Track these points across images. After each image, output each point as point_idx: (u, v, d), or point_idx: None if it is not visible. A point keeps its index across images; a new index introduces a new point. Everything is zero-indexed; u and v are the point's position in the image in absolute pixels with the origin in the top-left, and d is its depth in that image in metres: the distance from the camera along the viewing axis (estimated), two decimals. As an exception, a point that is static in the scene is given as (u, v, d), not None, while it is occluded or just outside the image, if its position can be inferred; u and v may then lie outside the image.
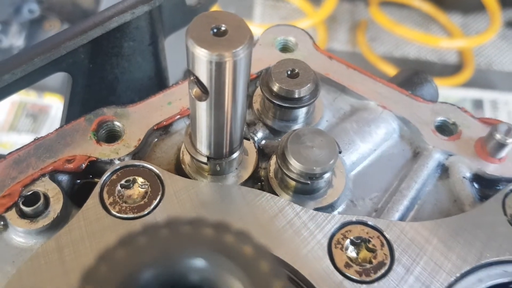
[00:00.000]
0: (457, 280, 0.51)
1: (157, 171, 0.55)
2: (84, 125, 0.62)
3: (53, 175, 0.58)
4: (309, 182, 0.56)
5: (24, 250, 0.54)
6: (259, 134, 0.65)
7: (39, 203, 0.54)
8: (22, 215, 0.55)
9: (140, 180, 0.55)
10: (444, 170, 0.64)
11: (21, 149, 0.60)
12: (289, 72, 0.63)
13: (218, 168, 0.58)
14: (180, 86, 0.67)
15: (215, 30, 0.44)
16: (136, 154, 0.61)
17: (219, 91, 0.46)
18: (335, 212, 0.59)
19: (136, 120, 0.63)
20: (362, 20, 3.01)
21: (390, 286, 0.50)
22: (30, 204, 0.54)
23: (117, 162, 0.59)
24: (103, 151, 0.60)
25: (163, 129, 0.64)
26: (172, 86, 0.68)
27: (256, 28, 2.40)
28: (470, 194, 0.62)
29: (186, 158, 0.60)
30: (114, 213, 0.52)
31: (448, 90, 2.74)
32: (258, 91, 0.67)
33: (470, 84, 2.84)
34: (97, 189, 0.53)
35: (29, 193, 0.55)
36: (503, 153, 0.63)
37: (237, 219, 0.52)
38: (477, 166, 0.63)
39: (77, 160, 0.59)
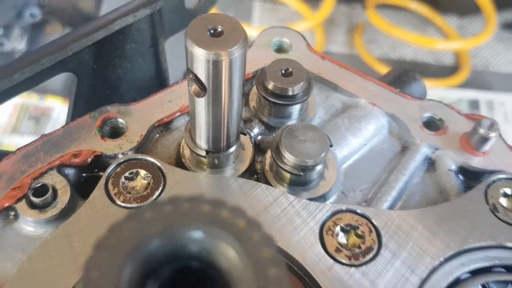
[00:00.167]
0: (441, 264, 0.54)
1: (159, 164, 0.59)
2: (89, 122, 0.65)
3: (60, 169, 0.61)
4: (302, 173, 0.59)
5: (33, 239, 0.58)
6: (255, 130, 0.69)
7: (47, 195, 0.58)
8: (32, 206, 0.58)
9: (143, 172, 0.58)
10: (431, 163, 0.68)
11: (30, 145, 0.63)
12: (283, 71, 0.67)
13: (216, 162, 0.61)
14: (179, 85, 0.71)
15: (212, 31, 0.47)
16: (139, 149, 0.64)
17: (216, 88, 0.50)
18: (327, 202, 0.62)
19: (138, 117, 0.66)
20: (359, 22, 3.06)
21: (377, 269, 0.53)
22: (39, 195, 0.58)
23: (120, 156, 0.62)
24: (108, 146, 0.63)
25: (164, 126, 0.68)
26: (172, 85, 0.71)
27: (255, 31, 2.44)
28: (455, 186, 0.65)
29: (186, 152, 0.63)
30: (119, 203, 0.56)
31: (445, 91, 2.78)
32: (254, 89, 0.71)
33: (466, 85, 2.88)
34: (102, 181, 0.57)
35: (38, 185, 0.59)
36: (487, 147, 0.66)
37: (234, 208, 0.55)
38: (462, 159, 0.66)
39: (83, 154, 0.62)
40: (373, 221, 0.56)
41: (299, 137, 0.60)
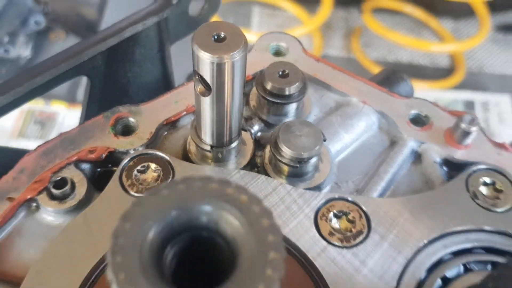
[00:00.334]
0: (425, 246, 0.60)
1: (168, 158, 0.65)
2: (102, 121, 0.71)
3: (77, 164, 0.67)
4: (298, 165, 0.65)
5: (54, 228, 0.63)
6: (255, 127, 0.74)
7: (66, 187, 0.64)
8: (52, 197, 0.64)
9: (153, 166, 0.64)
10: (417, 156, 0.73)
11: (49, 142, 0.69)
12: (280, 73, 0.73)
13: (220, 156, 0.67)
14: (185, 87, 0.77)
15: (215, 37, 0.53)
16: (149, 145, 0.70)
17: (220, 88, 0.56)
18: (322, 192, 0.68)
19: (147, 116, 0.72)
20: (356, 27, 3.12)
21: (367, 250, 0.58)
22: (59, 188, 0.63)
23: (132, 152, 0.68)
24: (120, 143, 0.69)
25: (171, 124, 0.73)
26: (178, 87, 0.77)
27: (254, 36, 2.50)
28: (440, 176, 0.71)
29: (192, 148, 0.69)
30: (132, 193, 0.61)
31: (440, 93, 2.84)
32: (254, 90, 0.77)
33: (461, 86, 2.94)
34: (117, 174, 0.63)
35: (58, 179, 0.64)
36: (469, 140, 0.72)
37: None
38: (446, 152, 0.72)
39: (98, 151, 0.68)
40: (363, 207, 0.62)
41: (296, 132, 0.65)
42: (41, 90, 0.67)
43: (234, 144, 0.66)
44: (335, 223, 0.61)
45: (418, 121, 0.75)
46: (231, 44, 0.53)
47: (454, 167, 0.71)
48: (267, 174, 0.68)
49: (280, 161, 0.66)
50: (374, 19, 2.96)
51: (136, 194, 0.61)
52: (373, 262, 0.58)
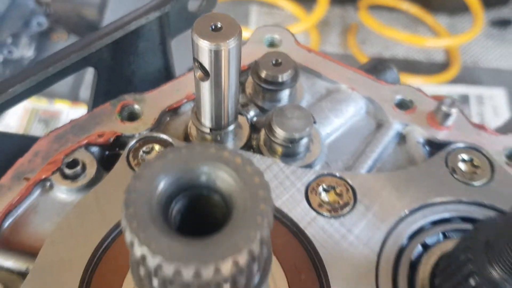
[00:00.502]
0: (407, 215, 0.66)
1: (171, 140, 0.70)
2: (110, 109, 0.77)
3: (87, 147, 0.73)
4: (290, 145, 0.70)
5: (66, 204, 0.69)
6: (251, 113, 0.80)
7: (77, 167, 0.69)
8: (65, 177, 0.69)
9: (157, 147, 0.70)
10: (402, 137, 0.79)
11: (61, 128, 0.75)
12: (273, 62, 0.78)
13: (219, 138, 0.72)
14: (185, 77, 0.82)
15: (213, 27, 0.59)
16: (152, 130, 0.75)
17: (217, 73, 0.61)
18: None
19: (151, 103, 0.78)
20: (352, 23, 3.18)
21: (353, 219, 0.64)
22: (71, 168, 0.69)
23: (137, 136, 0.74)
24: (126, 128, 0.75)
25: (173, 111, 0.79)
26: (179, 77, 0.83)
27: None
28: (422, 155, 0.76)
29: (193, 131, 0.75)
30: (138, 171, 0.67)
31: (436, 87, 2.89)
32: (250, 79, 0.82)
33: (457, 80, 2.99)
34: (124, 154, 0.68)
35: (70, 160, 0.70)
36: (450, 122, 0.77)
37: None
38: (429, 133, 0.77)
39: (106, 135, 0.74)
40: (350, 182, 0.67)
41: (288, 115, 0.71)
42: (53, 80, 0.73)
43: (231, 127, 0.72)
44: (324, 196, 0.67)
45: (403, 105, 0.81)
46: (227, 33, 0.58)
47: (436, 147, 0.77)
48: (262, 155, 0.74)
49: (274, 142, 0.71)
50: (370, 16, 3.02)
51: (142, 172, 0.67)
52: (358, 230, 0.63)
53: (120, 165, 0.68)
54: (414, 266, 0.62)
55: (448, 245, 0.63)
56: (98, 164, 0.71)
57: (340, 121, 0.80)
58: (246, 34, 0.89)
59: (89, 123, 0.75)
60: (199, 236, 0.38)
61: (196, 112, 0.71)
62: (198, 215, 0.44)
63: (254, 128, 0.79)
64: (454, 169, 0.70)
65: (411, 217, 0.66)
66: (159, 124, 0.77)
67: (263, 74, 0.77)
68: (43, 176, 0.69)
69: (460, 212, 0.67)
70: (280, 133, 0.70)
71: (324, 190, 0.67)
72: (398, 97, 0.81)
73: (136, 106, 0.77)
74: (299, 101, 0.82)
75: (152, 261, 0.36)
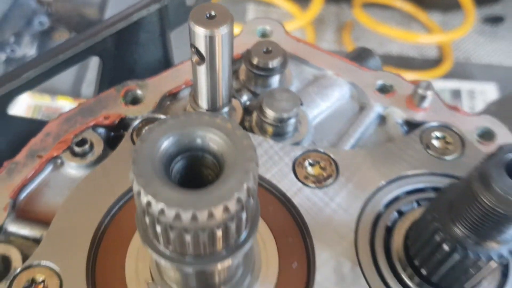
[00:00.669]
0: (384, 186, 0.73)
1: (170, 120, 0.77)
2: (114, 94, 0.84)
3: (94, 128, 0.80)
4: (279, 124, 0.77)
5: (76, 180, 0.75)
6: (244, 97, 0.87)
7: (86, 146, 0.76)
8: (74, 154, 0.76)
9: (158, 127, 0.77)
10: (382, 119, 0.86)
11: (70, 111, 0.82)
12: (264, 50, 0.85)
13: (214, 119, 0.79)
14: (183, 65, 0.89)
15: (208, 15, 0.65)
16: (154, 113, 0.82)
17: (212, 57, 0.68)
18: (300, 148, 0.80)
19: (152, 89, 0.85)
20: (347, 21, 3.25)
21: (335, 189, 0.71)
22: (80, 146, 0.76)
23: (140, 118, 0.81)
24: (130, 111, 0.82)
25: (173, 96, 0.86)
26: (177, 65, 0.90)
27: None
28: (401, 135, 0.83)
29: (191, 113, 0.82)
30: (141, 148, 0.74)
31: (428, 82, 2.96)
32: (243, 66, 0.89)
33: (449, 76, 3.07)
34: (129, 132, 0.75)
35: (79, 139, 0.77)
36: (426, 104, 0.84)
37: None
38: (407, 114, 0.84)
39: (111, 117, 0.81)
40: (333, 157, 0.74)
41: (277, 98, 0.78)
42: (62, 67, 0.80)
43: (226, 109, 0.79)
44: (310, 170, 0.74)
45: (384, 89, 0.88)
46: (220, 20, 0.65)
47: (413, 127, 0.84)
48: (254, 135, 0.81)
49: (265, 122, 0.78)
50: (364, 13, 3.09)
51: (145, 149, 0.74)
52: (340, 198, 0.70)
53: (125, 142, 0.75)
54: (389, 230, 0.69)
55: (421, 212, 0.70)
56: (105, 143, 0.78)
57: (326, 104, 0.87)
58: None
59: (96, 107, 0.82)
60: (196, 189, 0.45)
61: (194, 95, 0.78)
62: (195, 175, 0.51)
63: (247, 111, 0.86)
64: (428, 145, 0.77)
65: (387, 187, 0.73)
66: (159, 108, 0.84)
67: (255, 61, 0.84)
68: (55, 154, 0.76)
69: (433, 183, 0.74)
70: (270, 114, 0.77)
71: (310, 164, 0.74)
72: (379, 82, 0.88)
73: (139, 91, 0.84)
74: (288, 86, 0.89)
75: (156, 207, 0.43)
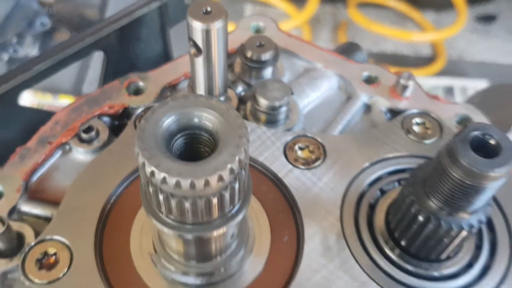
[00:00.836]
0: (368, 167, 0.79)
1: (170, 109, 0.83)
2: (118, 85, 0.90)
3: (100, 117, 0.86)
4: (272, 112, 0.84)
5: (83, 164, 0.81)
6: (239, 88, 0.93)
7: (92, 132, 0.82)
8: (81, 140, 0.82)
9: (159, 115, 0.83)
10: (367, 107, 0.92)
11: (76, 102, 0.88)
12: (257, 44, 0.91)
13: (211, 108, 0.85)
14: (182, 59, 0.96)
15: (204, 11, 0.72)
16: (155, 103, 0.88)
17: (208, 49, 0.74)
18: (291, 134, 0.86)
19: (153, 80, 0.91)
20: (342, 20, 3.32)
21: (323, 170, 0.77)
22: (87, 133, 0.82)
23: (142, 107, 0.87)
24: (132, 101, 0.88)
25: (172, 87, 0.92)
26: (177, 59, 0.96)
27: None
28: (385, 122, 0.89)
29: (189, 103, 0.88)
30: (144, 134, 0.80)
31: (422, 80, 3.02)
32: (238, 60, 0.95)
33: (443, 73, 3.13)
34: (132, 120, 0.82)
35: (85, 127, 0.83)
36: (408, 93, 0.90)
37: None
38: (390, 103, 0.91)
39: (115, 107, 0.87)
40: (320, 141, 0.80)
41: (269, 87, 0.84)
42: (69, 61, 0.86)
43: (221, 98, 0.85)
44: (299, 153, 0.80)
45: (369, 80, 0.94)
46: (216, 16, 0.71)
47: (396, 114, 0.90)
48: (248, 123, 0.87)
49: (258, 110, 0.84)
50: (358, 13, 3.15)
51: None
52: (327, 178, 0.76)
53: (129, 129, 0.81)
54: (372, 207, 0.75)
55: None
56: (110, 131, 0.84)
57: (315, 94, 0.93)
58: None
59: (101, 97, 0.88)
60: (194, 161, 0.51)
61: (192, 86, 0.84)
62: (193, 152, 0.57)
63: (242, 101, 0.92)
64: (408, 130, 0.84)
65: (371, 168, 0.79)
66: (160, 98, 0.90)
67: (249, 54, 0.91)
68: (63, 140, 0.82)
69: (413, 164, 0.80)
70: (263, 102, 0.83)
71: (300, 148, 0.80)
72: (365, 73, 0.95)
73: (141, 83, 0.90)
74: (281, 78, 0.95)
75: (159, 175, 0.49)
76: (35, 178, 0.80)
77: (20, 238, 0.73)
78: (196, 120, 0.55)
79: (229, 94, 0.88)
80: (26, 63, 0.80)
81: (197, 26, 0.71)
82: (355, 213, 0.74)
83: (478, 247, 0.73)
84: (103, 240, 0.72)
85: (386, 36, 3.15)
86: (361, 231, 0.73)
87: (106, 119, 0.87)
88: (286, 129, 0.86)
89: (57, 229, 0.71)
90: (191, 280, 0.67)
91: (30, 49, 2.98)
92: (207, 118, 0.54)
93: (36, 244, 0.70)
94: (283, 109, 0.84)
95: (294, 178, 0.76)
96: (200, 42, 0.73)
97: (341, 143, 0.81)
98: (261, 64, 0.91)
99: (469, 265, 0.71)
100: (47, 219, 0.76)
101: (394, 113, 0.90)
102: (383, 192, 0.77)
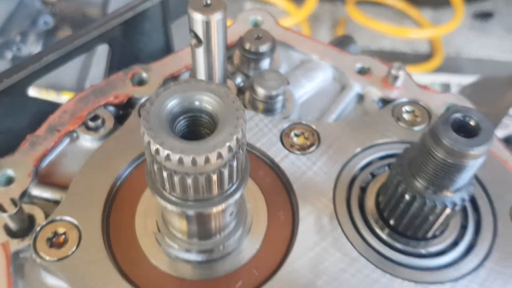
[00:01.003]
0: (359, 153, 0.83)
1: (172, 98, 0.88)
2: (123, 76, 0.94)
3: (105, 106, 0.90)
4: (269, 101, 0.88)
5: (90, 151, 0.86)
6: (238, 79, 0.97)
7: (98, 121, 0.87)
8: (88, 128, 0.87)
9: (162, 103, 0.87)
10: (361, 97, 0.97)
11: (83, 92, 0.92)
12: (255, 36, 0.96)
13: (211, 97, 0.90)
14: (183, 51, 1.00)
15: (204, 3, 0.76)
16: (158, 93, 0.93)
17: (208, 40, 0.79)
18: (287, 122, 0.91)
19: (156, 72, 0.95)
20: (341, 18, 3.36)
21: (317, 155, 0.82)
22: (93, 121, 0.87)
23: (146, 97, 0.91)
24: (136, 91, 0.92)
25: (174, 78, 0.96)
26: (178, 51, 1.00)
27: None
28: (377, 111, 0.94)
29: (190, 93, 0.92)
30: (148, 121, 0.84)
31: (419, 76, 3.07)
32: (237, 52, 1.00)
33: (440, 70, 3.17)
34: (136, 109, 0.86)
35: (92, 116, 0.88)
36: (399, 83, 0.95)
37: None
38: (382, 93, 0.95)
39: (120, 97, 0.91)
40: (315, 128, 0.85)
41: (266, 78, 0.89)
42: (77, 52, 0.91)
43: (221, 88, 0.89)
44: (295, 139, 0.84)
45: (362, 71, 0.99)
46: (215, 8, 0.76)
47: (388, 103, 0.94)
48: (247, 112, 0.91)
49: (256, 99, 0.89)
50: (357, 10, 3.20)
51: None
52: (321, 163, 0.81)
53: (133, 117, 0.85)
54: (363, 190, 0.80)
55: (391, 174, 0.80)
56: (115, 120, 0.89)
57: (311, 84, 0.98)
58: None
59: (107, 88, 0.92)
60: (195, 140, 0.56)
61: (193, 77, 0.89)
62: (194, 134, 0.61)
63: (241, 91, 0.96)
64: (398, 118, 0.88)
65: (362, 153, 0.83)
66: (163, 88, 0.94)
67: (247, 46, 0.95)
68: (71, 129, 0.87)
69: (402, 149, 0.84)
70: (260, 92, 0.88)
71: (295, 135, 0.84)
72: (358, 65, 0.99)
73: (144, 74, 0.94)
74: (277, 69, 0.99)
75: (163, 153, 0.54)
76: (44, 164, 0.84)
77: (31, 219, 0.77)
78: (197, 103, 0.59)
79: (228, 84, 0.92)
80: (36, 54, 0.85)
81: (198, 18, 0.75)
82: (347, 195, 0.79)
83: (464, 227, 0.78)
84: (109, 221, 0.76)
85: (384, 33, 3.19)
86: (353, 212, 0.77)
87: (111, 108, 0.91)
88: (282, 118, 0.90)
89: (66, 210, 0.75)
90: (193, 256, 0.71)
91: (34, 48, 3.02)
92: (207, 101, 0.59)
93: (46, 224, 0.74)
94: (280, 98, 0.89)
95: (289, 162, 0.81)
96: (200, 33, 0.78)
97: (335, 130, 0.85)
98: (259, 56, 0.95)
99: (455, 243, 0.75)
100: (56, 202, 0.80)
101: (385, 102, 0.94)
102: (373, 176, 0.82)
